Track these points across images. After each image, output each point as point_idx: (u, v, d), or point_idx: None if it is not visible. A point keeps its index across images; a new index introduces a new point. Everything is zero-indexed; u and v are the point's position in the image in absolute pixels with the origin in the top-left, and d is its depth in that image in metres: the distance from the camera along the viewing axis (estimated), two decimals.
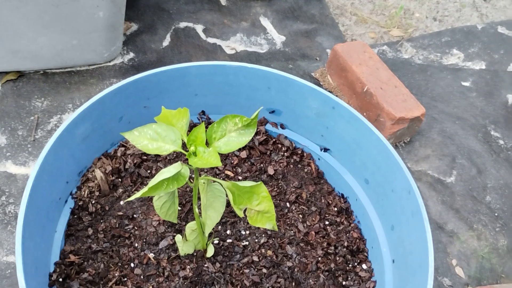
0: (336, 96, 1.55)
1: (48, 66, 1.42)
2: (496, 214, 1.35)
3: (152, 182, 0.64)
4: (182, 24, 1.70)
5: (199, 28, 1.70)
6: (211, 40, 1.67)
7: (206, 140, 0.68)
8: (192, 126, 1.05)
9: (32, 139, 1.29)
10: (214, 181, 0.74)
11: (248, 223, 0.94)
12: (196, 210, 0.78)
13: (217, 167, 1.00)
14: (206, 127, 1.01)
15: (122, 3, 1.38)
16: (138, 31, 1.64)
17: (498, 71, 1.76)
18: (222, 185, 0.73)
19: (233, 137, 0.67)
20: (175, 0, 1.77)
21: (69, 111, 1.38)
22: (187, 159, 1.01)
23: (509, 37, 1.90)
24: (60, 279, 0.81)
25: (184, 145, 0.69)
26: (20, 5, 1.21)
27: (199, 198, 0.83)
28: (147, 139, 0.67)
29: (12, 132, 1.30)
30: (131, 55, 1.56)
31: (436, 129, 1.52)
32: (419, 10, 1.97)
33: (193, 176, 0.87)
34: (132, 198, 0.64)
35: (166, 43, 1.62)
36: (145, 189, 0.64)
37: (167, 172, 0.65)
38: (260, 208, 0.71)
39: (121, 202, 0.94)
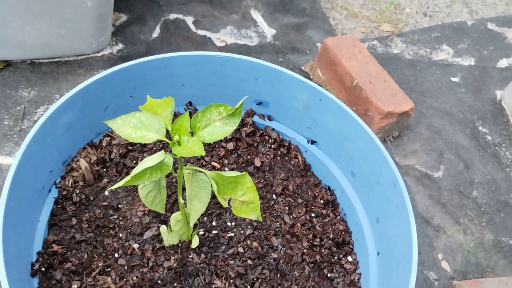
0: (326, 89, 1.55)
1: (36, 56, 1.41)
2: (482, 209, 1.36)
3: (135, 170, 0.64)
4: (172, 16, 1.69)
5: (189, 20, 1.69)
6: (201, 32, 1.66)
7: (190, 129, 0.67)
8: (177, 116, 1.04)
9: (19, 130, 1.28)
10: (199, 171, 0.74)
11: (234, 214, 0.94)
12: (181, 201, 0.78)
13: (203, 158, 1.00)
14: (191, 117, 1.00)
15: None
16: (127, 22, 1.62)
17: (487, 67, 1.76)
18: (206, 175, 0.72)
19: (218, 126, 0.66)
20: None
21: (56, 101, 1.37)
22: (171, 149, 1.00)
23: (499, 34, 1.91)
24: (43, 269, 0.80)
25: (168, 134, 0.68)
26: None
27: (184, 189, 0.83)
28: (131, 127, 0.67)
29: None
30: (120, 46, 1.55)
31: (424, 124, 1.53)
32: (409, 5, 1.97)
33: (177, 166, 0.87)
34: (115, 186, 0.63)
35: (155, 34, 1.61)
36: (128, 177, 0.64)
37: (150, 161, 0.64)
38: (244, 198, 0.71)
39: (106, 192, 0.93)
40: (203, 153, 0.62)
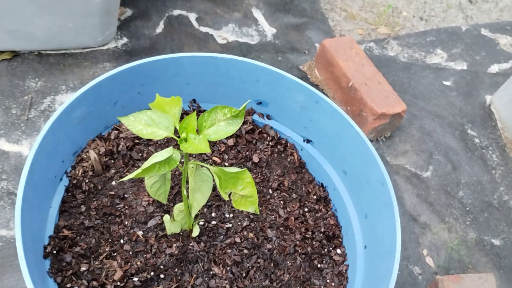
0: (322, 89, 1.61)
1: (43, 47, 1.44)
2: (467, 209, 1.42)
3: (145, 164, 0.69)
4: (176, 12, 1.73)
5: (192, 17, 1.73)
6: (203, 29, 1.70)
7: (197, 127, 0.73)
8: (183, 114, 1.10)
9: (26, 118, 1.32)
10: (202, 166, 0.80)
11: (232, 207, 1.00)
12: (185, 193, 0.84)
13: (205, 153, 1.05)
14: (197, 116, 1.06)
15: None
16: (132, 17, 1.66)
17: (479, 72, 1.82)
18: (209, 170, 0.78)
19: (222, 126, 0.72)
20: None
21: (63, 92, 1.41)
22: (177, 145, 1.06)
23: (491, 40, 1.97)
24: (54, 252, 0.86)
25: (176, 132, 0.74)
26: None
27: (187, 181, 0.89)
28: (142, 124, 0.72)
29: (6, 111, 1.32)
30: (125, 40, 1.58)
31: (416, 125, 1.59)
32: (406, 9, 2.03)
33: (183, 160, 0.92)
34: (126, 178, 0.69)
35: (159, 29, 1.65)
36: (138, 170, 0.69)
37: (159, 156, 0.70)
38: (244, 192, 0.77)
39: (113, 182, 0.99)
40: (209, 151, 0.68)
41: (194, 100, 1.11)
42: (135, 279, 0.87)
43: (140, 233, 0.93)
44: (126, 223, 0.94)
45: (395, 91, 1.57)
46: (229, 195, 0.78)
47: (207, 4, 1.79)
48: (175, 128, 0.73)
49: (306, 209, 1.04)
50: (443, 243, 1.35)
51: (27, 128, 1.31)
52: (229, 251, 0.94)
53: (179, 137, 0.73)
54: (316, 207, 1.05)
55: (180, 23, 1.69)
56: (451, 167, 1.51)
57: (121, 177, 1.00)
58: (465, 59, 1.86)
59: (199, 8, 1.76)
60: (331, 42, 1.60)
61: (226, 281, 0.90)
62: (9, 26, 1.33)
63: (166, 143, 1.07)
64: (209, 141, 0.75)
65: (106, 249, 0.90)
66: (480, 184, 1.49)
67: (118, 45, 1.56)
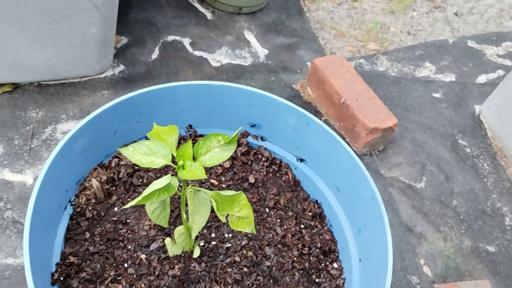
0: (315, 107, 1.65)
1: (43, 79, 1.48)
2: (461, 217, 1.46)
3: (146, 192, 0.73)
4: (170, 38, 1.77)
5: (186, 42, 1.78)
6: (197, 53, 1.75)
7: (193, 155, 0.77)
8: (180, 139, 1.14)
9: (28, 148, 1.35)
10: (200, 190, 0.84)
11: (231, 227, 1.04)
12: (184, 216, 0.87)
13: None
14: (193, 142, 1.10)
15: (114, 20, 1.45)
16: (128, 44, 1.70)
17: (467, 83, 1.87)
18: (207, 194, 0.82)
19: (217, 152, 0.77)
20: (163, 15, 1.85)
21: (63, 121, 1.44)
22: (176, 171, 1.10)
23: (478, 51, 2.02)
24: (61, 278, 0.89)
25: (173, 159, 0.78)
26: (17, 22, 1.28)
27: (186, 205, 0.93)
28: (141, 154, 0.76)
29: (8, 142, 1.35)
30: (121, 67, 1.62)
31: (408, 138, 1.62)
32: (394, 24, 2.08)
33: (181, 185, 0.96)
34: (127, 206, 0.73)
35: (154, 55, 1.70)
36: (139, 198, 0.73)
37: (158, 183, 0.74)
38: (240, 214, 0.81)
39: (115, 208, 1.03)
40: (205, 176, 0.72)
41: (190, 126, 1.15)
42: None
43: (143, 256, 0.96)
44: (129, 247, 0.97)
45: (386, 105, 1.62)
46: (227, 216, 0.82)
47: (200, 29, 1.84)
48: (173, 155, 0.78)
49: (302, 226, 1.08)
50: (439, 252, 1.37)
51: (30, 158, 1.34)
52: (229, 270, 0.97)
53: (176, 164, 0.77)
54: (312, 223, 1.09)
55: (175, 49, 1.74)
56: (444, 177, 1.54)
57: (123, 203, 1.03)
58: (453, 71, 1.91)
59: (193, 33, 1.81)
60: (322, 61, 1.64)
61: None
62: (9, 60, 1.38)
63: (164, 168, 1.11)
64: (205, 167, 0.79)
65: (111, 274, 0.93)
66: (473, 193, 1.52)
67: (115, 72, 1.60)
